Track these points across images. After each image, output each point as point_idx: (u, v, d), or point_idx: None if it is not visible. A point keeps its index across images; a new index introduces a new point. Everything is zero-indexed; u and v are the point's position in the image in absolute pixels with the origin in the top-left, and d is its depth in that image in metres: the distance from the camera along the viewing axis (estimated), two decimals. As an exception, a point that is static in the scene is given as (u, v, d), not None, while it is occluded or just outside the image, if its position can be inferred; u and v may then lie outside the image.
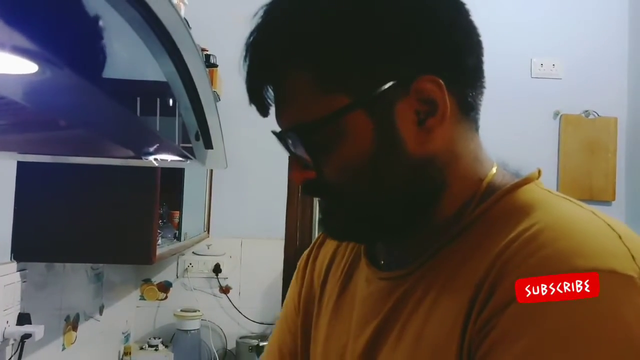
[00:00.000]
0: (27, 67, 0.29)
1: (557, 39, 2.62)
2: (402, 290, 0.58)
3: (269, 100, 0.58)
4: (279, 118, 0.58)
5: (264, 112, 0.59)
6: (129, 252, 1.26)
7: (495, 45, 2.55)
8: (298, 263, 0.80)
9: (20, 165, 1.22)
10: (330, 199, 0.60)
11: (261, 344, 2.25)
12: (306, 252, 0.80)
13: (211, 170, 2.39)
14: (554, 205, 0.53)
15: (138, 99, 0.52)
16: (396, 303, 0.58)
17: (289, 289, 0.80)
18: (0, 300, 1.15)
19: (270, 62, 0.56)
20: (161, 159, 0.77)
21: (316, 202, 2.54)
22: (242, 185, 2.45)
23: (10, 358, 1.19)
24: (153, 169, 1.26)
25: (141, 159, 0.74)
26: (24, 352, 1.22)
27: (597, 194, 2.56)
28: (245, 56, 0.57)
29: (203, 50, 1.96)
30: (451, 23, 0.56)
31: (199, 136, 0.79)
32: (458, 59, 0.56)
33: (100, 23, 0.36)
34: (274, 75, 0.57)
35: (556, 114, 2.61)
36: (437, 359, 0.52)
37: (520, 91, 2.58)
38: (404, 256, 0.61)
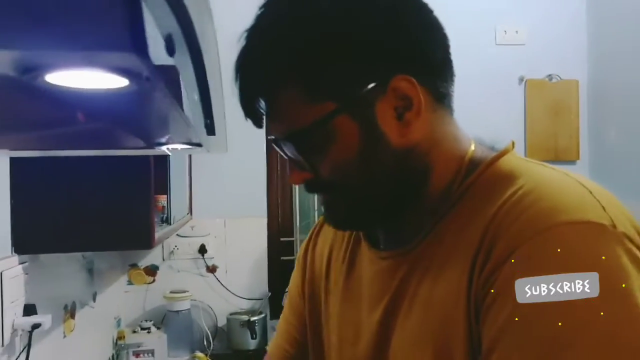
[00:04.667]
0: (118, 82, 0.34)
1: (519, 6, 2.70)
2: (406, 267, 0.65)
3: (261, 112, 0.65)
4: (274, 128, 0.64)
5: (258, 124, 0.66)
6: (129, 238, 1.30)
7: (461, 15, 2.63)
8: (298, 252, 0.87)
9: (13, 160, 1.24)
10: (329, 195, 0.67)
11: (252, 319, 2.32)
12: (305, 241, 0.86)
13: (189, 156, 2.41)
14: (533, 171, 0.61)
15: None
16: (402, 280, 0.65)
17: (292, 277, 0.87)
18: (7, 293, 1.18)
19: (260, 82, 0.62)
20: (172, 148, 0.81)
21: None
22: (222, 165, 2.48)
23: (23, 349, 1.22)
24: (146, 156, 1.29)
25: (153, 148, 0.78)
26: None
27: (562, 154, 2.68)
28: (236, 77, 0.63)
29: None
30: (415, 25, 0.62)
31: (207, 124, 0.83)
32: (425, 56, 0.62)
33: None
34: (264, 93, 0.63)
35: (521, 79, 2.71)
36: (447, 317, 0.58)
37: (486, 58, 2.66)
38: (402, 235, 0.67)
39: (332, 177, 0.63)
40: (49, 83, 0.35)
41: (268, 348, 0.88)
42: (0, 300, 1.17)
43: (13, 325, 1.20)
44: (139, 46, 0.27)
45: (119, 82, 0.33)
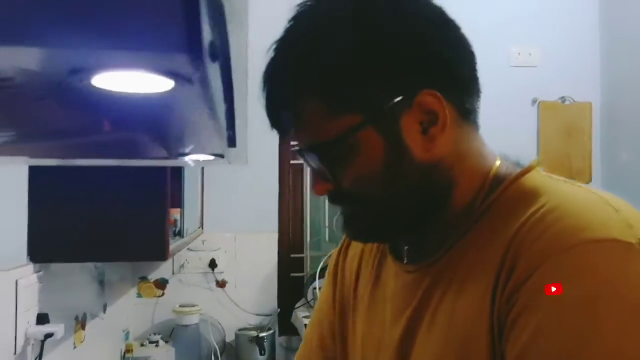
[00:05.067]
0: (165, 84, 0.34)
1: (533, 28, 2.72)
2: (429, 279, 0.64)
3: (287, 123, 0.65)
4: (299, 139, 0.65)
5: (283, 135, 0.67)
6: (143, 250, 1.30)
7: (474, 37, 2.64)
8: (329, 265, 0.86)
9: (32, 169, 1.25)
10: (351, 207, 0.66)
11: (260, 335, 2.30)
12: (335, 253, 0.86)
13: (202, 170, 2.42)
14: (557, 189, 0.60)
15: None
16: (425, 292, 0.65)
17: (322, 289, 0.87)
18: (21, 301, 1.18)
19: (285, 94, 0.63)
20: (193, 159, 0.81)
21: (306, 195, 2.59)
22: (234, 181, 2.49)
23: (35, 359, 1.22)
24: (163, 169, 1.30)
25: (176, 158, 0.78)
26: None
27: (575, 176, 2.66)
28: (263, 88, 0.64)
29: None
30: (443, 42, 0.63)
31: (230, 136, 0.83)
32: (451, 72, 0.63)
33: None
34: (290, 104, 0.63)
35: (534, 100, 2.71)
36: (469, 334, 0.58)
37: (499, 80, 2.66)
38: (425, 249, 0.67)
39: (355, 189, 0.63)
40: (91, 86, 0.36)
41: (296, 358, 0.87)
42: (15, 308, 1.17)
43: (26, 334, 1.20)
44: (195, 49, 0.27)
45: (165, 85, 0.34)
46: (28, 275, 1.23)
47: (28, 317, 1.22)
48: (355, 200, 0.64)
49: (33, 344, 1.24)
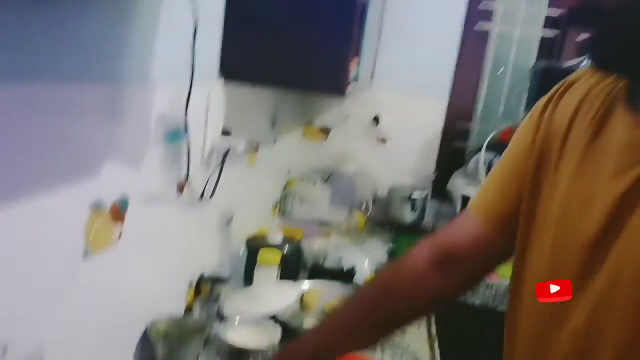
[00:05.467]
0: None
1: None
2: None
3: None
4: None
5: None
6: (325, 82, 1.32)
7: None
8: (534, 108, 0.78)
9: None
10: (602, 25, 0.57)
11: (413, 194, 2.33)
12: (545, 98, 0.77)
13: (381, 17, 2.34)
14: None
15: None
16: None
17: (519, 131, 0.79)
18: (211, 113, 1.28)
19: None
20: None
21: (486, 65, 2.42)
22: (412, 36, 2.39)
23: (218, 167, 1.35)
24: (353, 7, 1.26)
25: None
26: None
27: None
28: None
29: None
30: None
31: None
32: None
33: None
34: None
35: None
36: None
37: None
38: None
39: (611, 4, 0.55)
40: None
41: (469, 205, 0.84)
42: (205, 118, 1.27)
43: (212, 143, 1.32)
44: None
45: None
46: (217, 90, 1.31)
47: (214, 131, 1.33)
48: (609, 15, 0.56)
49: (217, 154, 1.36)
